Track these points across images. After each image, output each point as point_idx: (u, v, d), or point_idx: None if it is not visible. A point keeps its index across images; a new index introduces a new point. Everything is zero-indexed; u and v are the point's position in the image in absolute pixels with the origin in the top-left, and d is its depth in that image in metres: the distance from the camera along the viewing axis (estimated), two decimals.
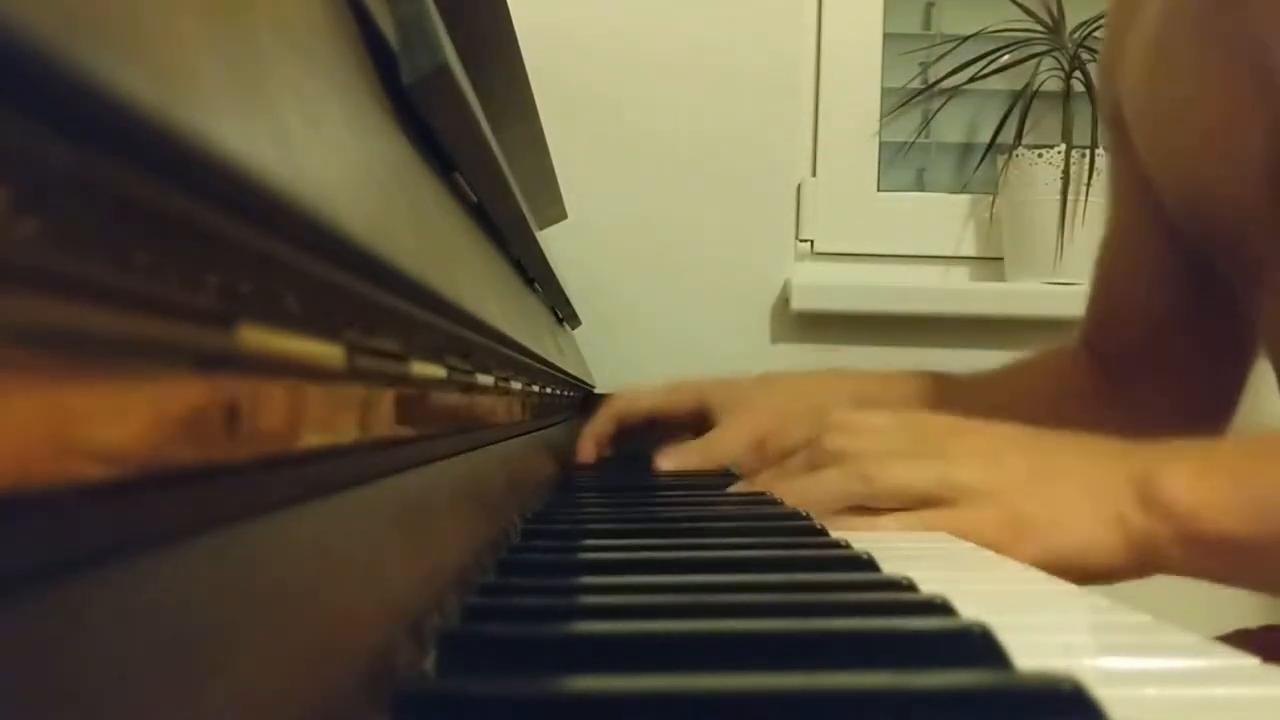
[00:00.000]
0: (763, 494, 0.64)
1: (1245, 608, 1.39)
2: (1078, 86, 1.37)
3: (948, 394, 0.86)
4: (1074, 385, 0.92)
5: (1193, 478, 0.53)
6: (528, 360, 0.54)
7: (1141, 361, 0.87)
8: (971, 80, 1.40)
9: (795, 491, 0.57)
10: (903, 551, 0.45)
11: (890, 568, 0.37)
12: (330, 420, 0.21)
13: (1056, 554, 0.52)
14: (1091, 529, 0.53)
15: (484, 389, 0.43)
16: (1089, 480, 0.55)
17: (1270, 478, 0.54)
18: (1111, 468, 0.55)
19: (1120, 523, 0.53)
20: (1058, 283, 1.35)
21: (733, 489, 0.64)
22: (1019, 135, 1.37)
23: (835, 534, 0.45)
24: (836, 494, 0.56)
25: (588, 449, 0.90)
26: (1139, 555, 0.53)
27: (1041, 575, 0.40)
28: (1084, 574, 0.53)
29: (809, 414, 0.64)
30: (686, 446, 0.82)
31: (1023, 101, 1.38)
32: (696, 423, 0.86)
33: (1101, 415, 0.85)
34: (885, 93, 1.41)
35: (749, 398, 0.86)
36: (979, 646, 0.25)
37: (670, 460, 0.80)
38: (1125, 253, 0.87)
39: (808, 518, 0.52)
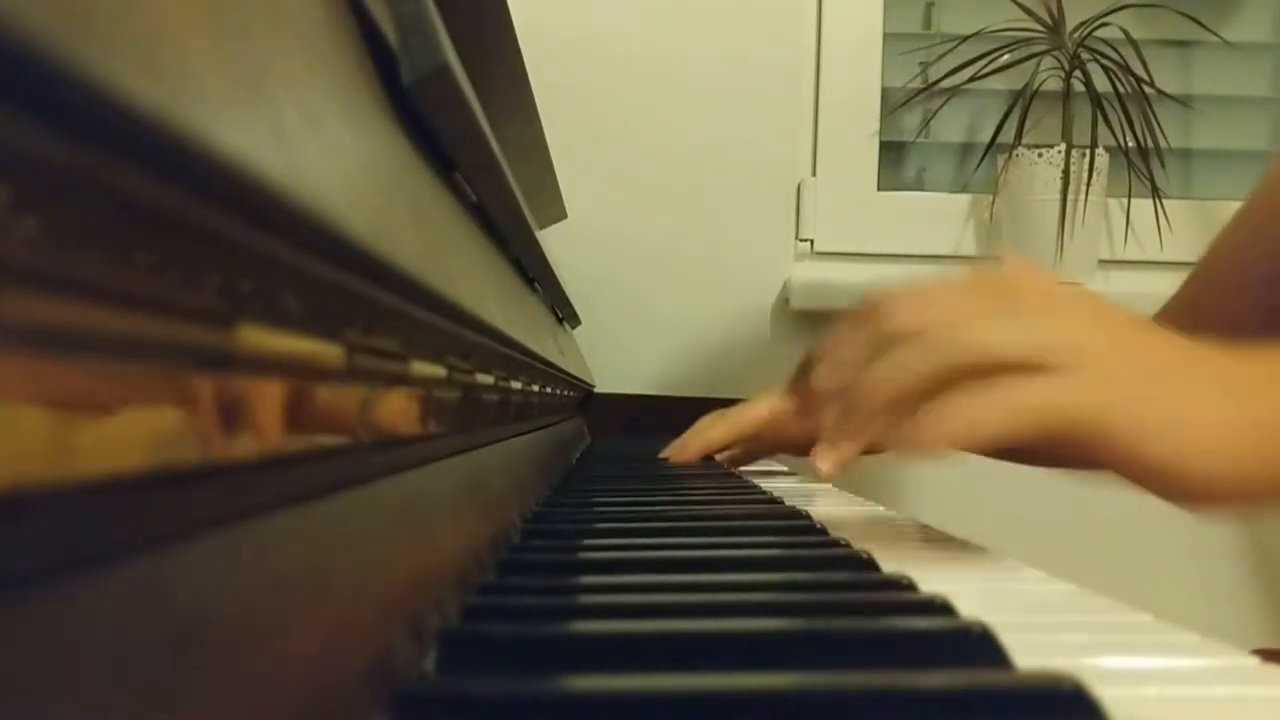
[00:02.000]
0: (764, 493, 0.64)
1: (1249, 618, 1.40)
2: (1078, 86, 1.37)
3: None
4: None
5: None
6: (528, 360, 0.54)
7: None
8: (971, 80, 1.40)
9: (857, 381, 0.44)
10: (902, 550, 0.45)
11: (890, 567, 0.37)
12: (330, 420, 0.21)
13: (1179, 445, 0.41)
14: (1230, 421, 0.42)
15: (484, 389, 0.43)
16: (1223, 373, 0.44)
17: None
18: (1253, 364, 0.44)
19: (1257, 428, 0.42)
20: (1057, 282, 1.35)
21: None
22: (1019, 135, 1.37)
23: (823, 524, 0.45)
24: (908, 372, 0.43)
25: (692, 454, 0.85)
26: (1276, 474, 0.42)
27: (1041, 574, 0.40)
28: (1205, 484, 0.42)
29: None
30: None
31: (1023, 101, 1.38)
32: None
33: None
34: (885, 92, 1.41)
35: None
36: (979, 646, 0.25)
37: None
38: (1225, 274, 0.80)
39: (807, 516, 0.52)
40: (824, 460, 0.47)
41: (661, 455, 0.87)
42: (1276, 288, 0.74)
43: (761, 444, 0.87)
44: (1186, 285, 0.87)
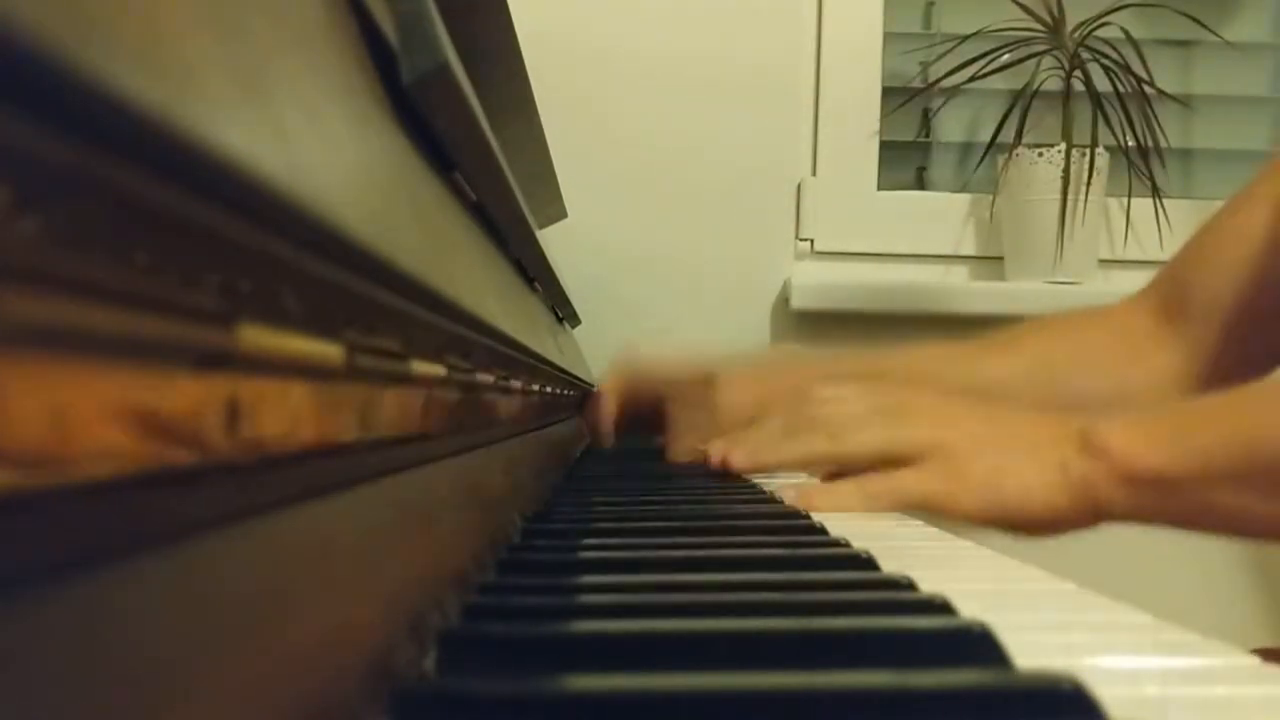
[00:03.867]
0: (764, 493, 0.64)
1: (1250, 619, 1.40)
2: (1078, 86, 1.37)
3: (952, 368, 0.88)
4: (1127, 329, 0.89)
5: (1129, 424, 0.57)
6: (528, 359, 0.54)
7: (1209, 331, 0.85)
8: (972, 79, 1.40)
9: (770, 449, 0.65)
10: (902, 550, 0.45)
11: (890, 566, 0.37)
12: (330, 420, 0.21)
13: (999, 503, 0.57)
14: (1034, 476, 0.57)
15: (484, 388, 0.43)
16: (1035, 437, 0.59)
17: (1201, 417, 0.57)
18: (1056, 425, 0.59)
19: (1061, 470, 0.57)
20: (1058, 282, 1.35)
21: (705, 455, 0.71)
22: (1019, 135, 1.37)
23: (823, 523, 0.45)
24: (806, 452, 0.64)
25: (605, 426, 0.93)
26: (1081, 500, 0.57)
27: (1041, 574, 0.40)
28: (1029, 522, 0.58)
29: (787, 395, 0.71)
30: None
31: (1023, 101, 1.38)
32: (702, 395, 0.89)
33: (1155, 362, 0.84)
34: (885, 92, 1.41)
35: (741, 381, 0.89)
36: (979, 646, 0.25)
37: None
38: (1230, 249, 0.84)
39: (808, 516, 0.52)
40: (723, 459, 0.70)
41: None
42: None
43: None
44: (1169, 268, 0.89)
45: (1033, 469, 0.58)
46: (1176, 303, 0.85)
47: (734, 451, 0.68)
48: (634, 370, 0.94)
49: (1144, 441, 0.56)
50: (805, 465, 0.64)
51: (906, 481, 0.59)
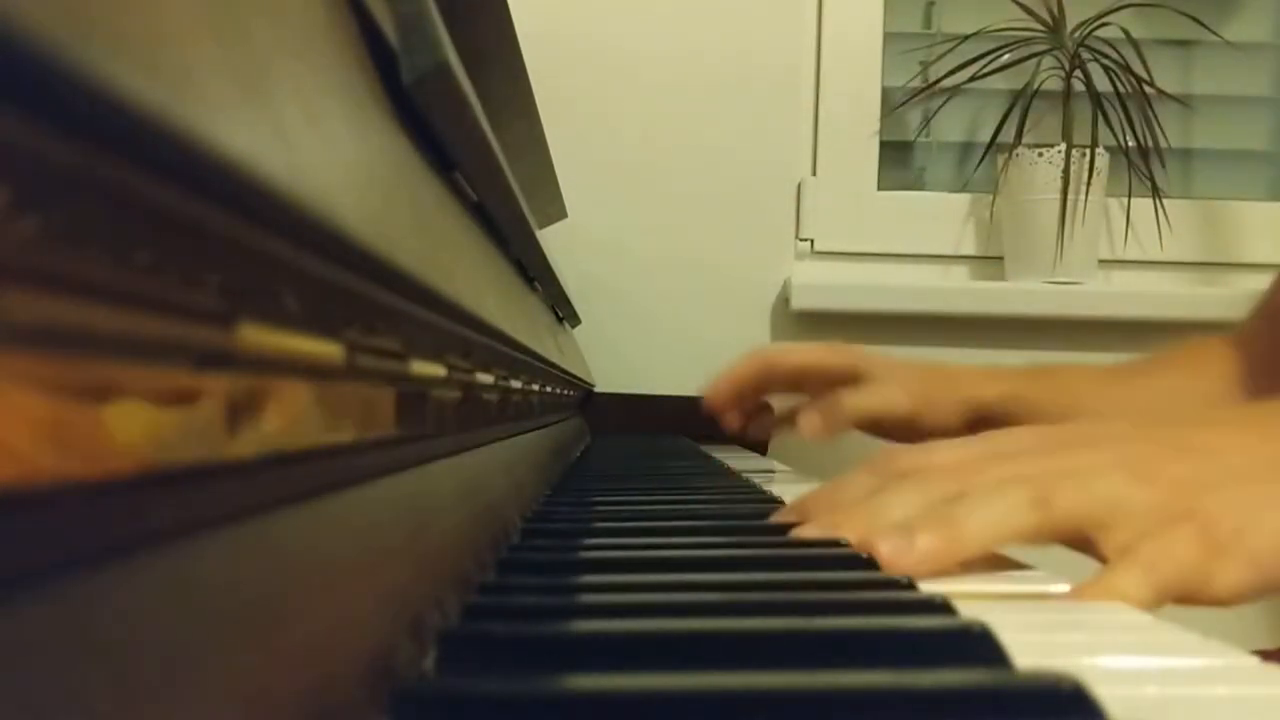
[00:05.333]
0: (764, 493, 0.64)
1: (1248, 616, 1.39)
2: (1078, 86, 1.37)
3: (1105, 391, 0.80)
4: (1244, 369, 0.80)
5: None
6: (528, 359, 0.54)
7: None
8: (972, 79, 1.40)
9: (952, 524, 0.40)
10: None
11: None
12: (330, 420, 0.21)
13: (1270, 562, 0.41)
14: None
15: (484, 388, 0.43)
16: (1273, 459, 0.44)
17: None
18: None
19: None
20: (1058, 282, 1.35)
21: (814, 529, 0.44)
22: (1019, 135, 1.37)
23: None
24: (1005, 521, 0.41)
25: (722, 391, 0.86)
26: None
27: (1041, 574, 0.40)
28: None
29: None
30: (835, 398, 0.79)
31: (1023, 101, 1.38)
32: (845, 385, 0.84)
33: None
34: (885, 92, 1.41)
35: (903, 374, 0.83)
36: (979, 646, 0.25)
37: (815, 417, 0.78)
38: None
39: None
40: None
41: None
42: None
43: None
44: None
45: None
46: None
47: (901, 550, 0.39)
48: (776, 352, 0.88)
49: None
50: (1007, 541, 0.41)
51: (1147, 568, 0.39)
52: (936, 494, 0.42)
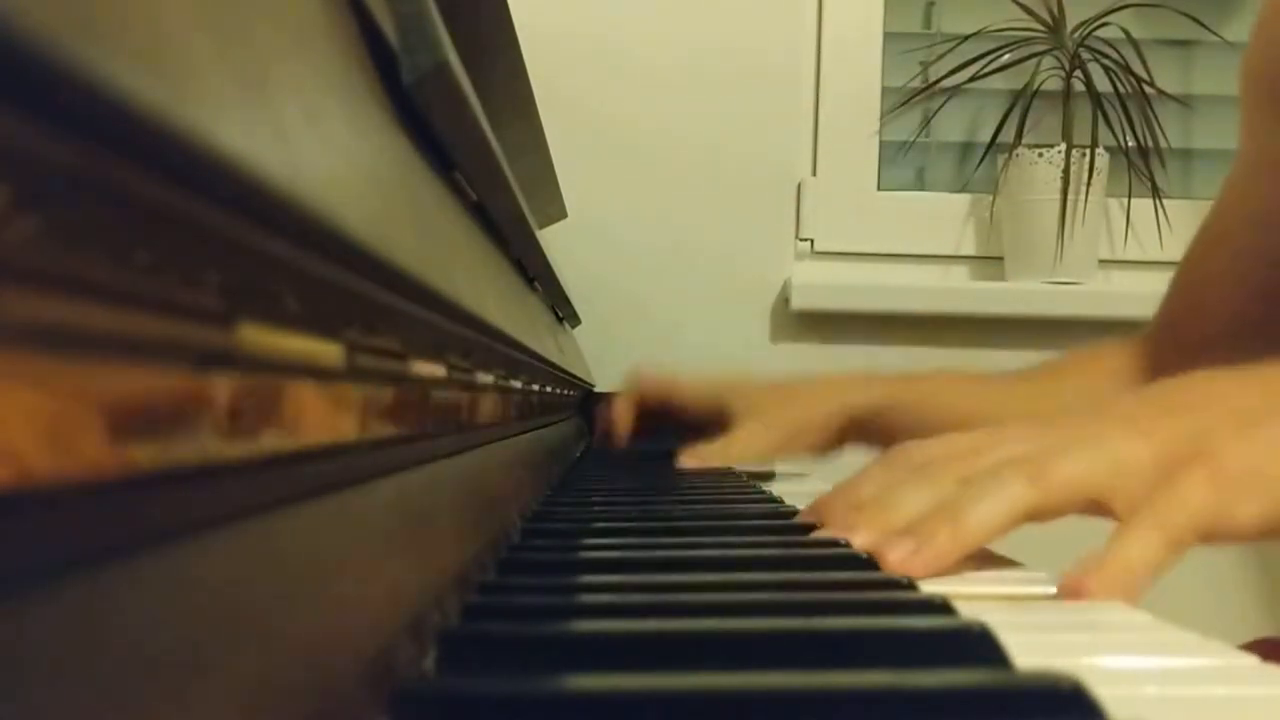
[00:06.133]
0: (764, 493, 0.64)
1: (1250, 613, 1.39)
2: (1078, 86, 1.37)
3: (984, 395, 0.82)
4: (1137, 380, 0.80)
5: None
6: (528, 359, 0.54)
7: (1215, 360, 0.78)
8: (972, 79, 1.39)
9: (942, 517, 0.40)
10: None
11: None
12: (330, 420, 0.21)
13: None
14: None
15: (484, 388, 0.43)
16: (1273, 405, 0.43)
17: None
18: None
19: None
20: (1057, 282, 1.35)
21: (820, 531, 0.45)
22: (1019, 135, 1.37)
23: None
24: (999, 505, 0.40)
25: (619, 414, 0.93)
26: None
27: (1041, 574, 0.40)
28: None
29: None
30: (707, 448, 0.84)
31: (1023, 101, 1.38)
32: (709, 420, 0.88)
33: None
34: (885, 92, 1.41)
35: (765, 404, 0.87)
36: (979, 646, 0.25)
37: (693, 460, 0.82)
38: (1226, 243, 0.78)
39: None
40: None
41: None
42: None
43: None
44: (1167, 301, 0.85)
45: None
46: (1193, 330, 0.78)
47: (908, 558, 0.39)
48: (656, 379, 0.95)
49: None
50: (1012, 526, 0.41)
51: (1166, 516, 0.39)
52: (945, 487, 0.43)
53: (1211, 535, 0.40)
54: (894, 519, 0.42)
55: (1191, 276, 0.82)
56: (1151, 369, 0.79)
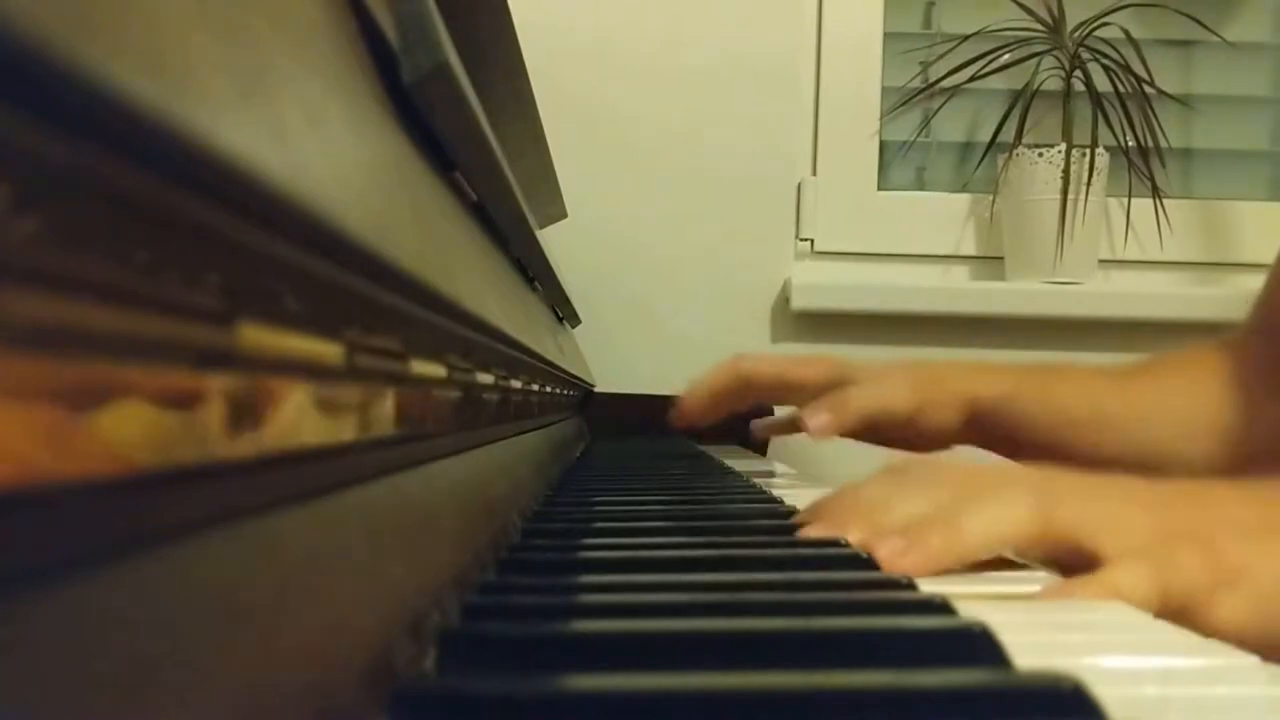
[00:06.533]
0: (764, 493, 0.64)
1: None
2: (1078, 86, 1.37)
3: (1096, 392, 0.78)
4: (1240, 377, 0.78)
5: None
6: (528, 359, 0.54)
7: None
8: (972, 79, 1.40)
9: (954, 521, 0.41)
10: None
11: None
12: (330, 420, 0.21)
13: (1273, 607, 0.40)
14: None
15: (484, 388, 0.43)
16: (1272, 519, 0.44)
17: None
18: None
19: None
20: (1057, 282, 1.35)
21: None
22: (1019, 135, 1.37)
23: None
24: (1005, 525, 0.41)
25: (697, 402, 0.82)
26: None
27: (1041, 574, 0.40)
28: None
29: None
30: (833, 397, 0.75)
31: (1023, 101, 1.38)
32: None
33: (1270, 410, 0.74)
34: (885, 92, 1.41)
35: (894, 371, 0.80)
36: (979, 645, 0.25)
37: (814, 414, 0.74)
38: None
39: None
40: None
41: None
42: None
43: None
44: (1264, 298, 0.79)
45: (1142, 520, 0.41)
46: None
47: (896, 556, 0.39)
48: (752, 362, 0.83)
49: None
50: (1004, 545, 0.41)
51: (1163, 572, 0.39)
52: (944, 496, 0.43)
53: (1190, 616, 0.38)
54: (890, 520, 0.42)
55: None
56: (1254, 368, 0.77)
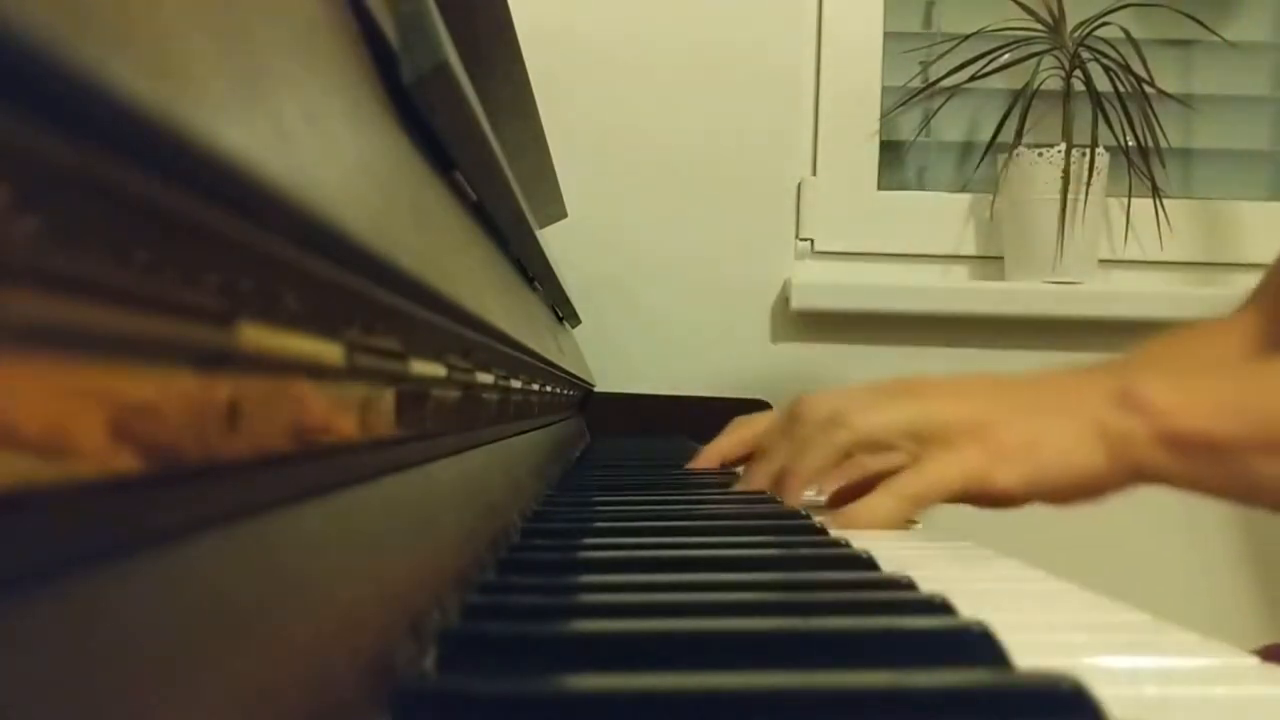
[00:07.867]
0: (763, 493, 0.64)
1: (1248, 615, 1.40)
2: (1078, 85, 1.37)
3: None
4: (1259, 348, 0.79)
5: (1170, 380, 0.54)
6: (528, 359, 0.54)
7: None
8: (972, 79, 1.40)
9: (786, 464, 0.59)
10: (902, 550, 0.45)
11: (890, 566, 0.37)
12: (330, 419, 0.21)
13: (1040, 472, 0.54)
14: (1072, 439, 0.54)
15: (484, 388, 0.43)
16: (1066, 400, 0.56)
17: (1248, 380, 0.54)
18: (1089, 383, 0.56)
19: (1099, 430, 0.53)
20: (1057, 282, 1.35)
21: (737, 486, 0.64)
22: (1019, 134, 1.37)
23: (835, 533, 0.45)
24: (824, 450, 0.57)
25: (710, 463, 0.83)
26: (1121, 460, 0.53)
27: (1040, 574, 0.40)
28: (1073, 489, 0.55)
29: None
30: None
31: (1023, 100, 1.38)
32: None
33: None
34: (885, 91, 1.41)
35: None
36: (979, 646, 0.25)
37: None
38: None
39: (807, 516, 0.52)
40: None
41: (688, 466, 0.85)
42: None
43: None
44: (1275, 269, 0.79)
45: (1070, 431, 0.54)
46: None
47: (766, 484, 0.61)
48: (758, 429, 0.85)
49: (1187, 401, 0.53)
50: (833, 464, 0.57)
51: (939, 468, 0.54)
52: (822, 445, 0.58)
53: (973, 494, 0.55)
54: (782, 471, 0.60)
55: None
56: (1262, 336, 0.77)
